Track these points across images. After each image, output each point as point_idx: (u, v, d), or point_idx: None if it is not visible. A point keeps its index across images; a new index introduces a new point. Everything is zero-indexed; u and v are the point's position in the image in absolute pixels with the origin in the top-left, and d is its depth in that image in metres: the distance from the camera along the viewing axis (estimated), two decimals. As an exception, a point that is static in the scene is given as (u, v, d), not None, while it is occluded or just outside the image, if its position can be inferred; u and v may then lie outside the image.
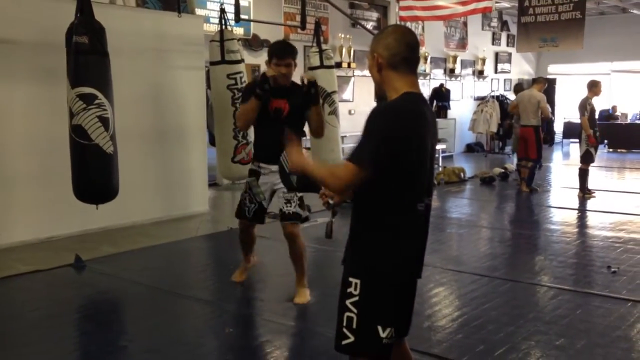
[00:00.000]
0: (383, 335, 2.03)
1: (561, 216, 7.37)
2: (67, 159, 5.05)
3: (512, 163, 10.73)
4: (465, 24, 14.14)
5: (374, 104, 12.02)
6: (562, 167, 12.36)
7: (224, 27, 6.63)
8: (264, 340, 3.69)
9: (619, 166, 12.29)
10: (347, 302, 2.05)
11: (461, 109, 14.60)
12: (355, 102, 11.99)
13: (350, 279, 2.07)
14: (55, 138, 5.53)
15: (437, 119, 12.83)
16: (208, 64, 6.90)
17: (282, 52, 3.96)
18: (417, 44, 2.12)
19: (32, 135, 5.72)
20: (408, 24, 12.23)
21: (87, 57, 4.93)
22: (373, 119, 2.00)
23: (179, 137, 6.95)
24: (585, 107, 8.11)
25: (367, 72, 11.95)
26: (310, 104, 3.90)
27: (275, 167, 3.98)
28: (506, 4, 13.93)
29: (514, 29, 16.18)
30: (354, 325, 2.04)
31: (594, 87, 8.13)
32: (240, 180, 7.80)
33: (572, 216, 7.53)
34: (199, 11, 8.47)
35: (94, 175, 5.00)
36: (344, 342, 2.06)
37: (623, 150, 14.51)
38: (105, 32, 5.02)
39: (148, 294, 4.47)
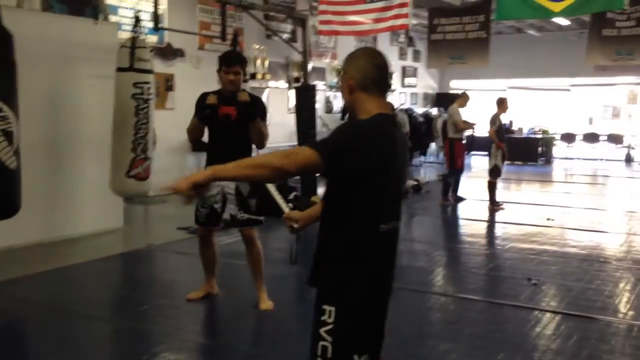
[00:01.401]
0: (359, 362, 1.98)
1: (475, 228, 7.66)
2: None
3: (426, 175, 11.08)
4: (375, 38, 14.47)
5: (287, 116, 12.04)
6: (466, 179, 12.90)
7: (137, 34, 6.35)
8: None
9: (517, 178, 13.00)
10: (321, 330, 1.99)
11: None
12: (270, 114, 11.85)
13: (324, 307, 2.00)
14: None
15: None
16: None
17: (230, 60, 4.21)
18: (386, 67, 2.11)
19: None
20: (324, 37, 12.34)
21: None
22: (337, 130, 1.99)
23: (86, 149, 6.55)
24: (495, 121, 8.53)
25: (280, 84, 12.05)
26: (248, 119, 4.08)
27: None
28: (413, 21, 14.39)
29: (419, 45, 16.82)
30: (329, 354, 1.98)
31: (502, 104, 8.57)
32: (134, 197, 7.46)
33: (486, 228, 7.86)
34: (111, 17, 8.08)
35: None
36: (318, 372, 1.99)
37: (519, 163, 15.37)
38: (12, 39, 4.65)
39: (65, 320, 4.14)
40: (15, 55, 4.63)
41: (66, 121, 6.36)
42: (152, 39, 8.85)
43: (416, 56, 17.09)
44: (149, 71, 6.31)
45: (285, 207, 2.46)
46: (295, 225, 2.36)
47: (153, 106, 6.41)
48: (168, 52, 9.57)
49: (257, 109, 4.18)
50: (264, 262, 4.34)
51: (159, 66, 8.92)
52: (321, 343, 1.99)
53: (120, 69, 6.20)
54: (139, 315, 4.26)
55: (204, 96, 4.26)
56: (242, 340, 3.86)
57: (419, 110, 15.90)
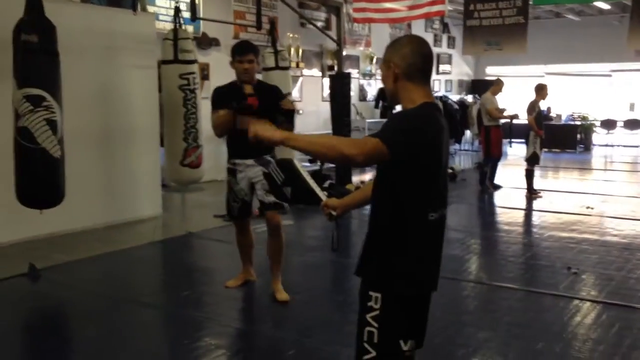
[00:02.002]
0: (405, 348, 2.01)
1: (512, 216, 7.57)
2: (11, 161, 4.79)
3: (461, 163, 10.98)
4: (409, 25, 14.32)
5: (321, 104, 12.05)
6: (502, 167, 12.73)
7: (178, 25, 6.44)
8: (219, 345, 3.59)
9: (555, 166, 12.78)
10: (367, 316, 2.01)
11: (406, 109, 14.78)
12: (304, 102, 11.93)
13: (371, 293, 2.03)
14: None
15: (383, 119, 13.06)
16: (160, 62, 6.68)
17: (242, 49, 4.12)
18: (431, 55, 2.11)
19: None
20: (361, 25, 12.28)
21: (36, 56, 4.68)
22: (394, 120, 2.00)
23: (130, 139, 6.70)
24: (534, 108, 8.39)
25: (315, 72, 12.05)
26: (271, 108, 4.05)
27: (250, 161, 4.03)
28: (449, 7, 14.20)
29: (454, 32, 16.61)
30: (375, 340, 2.00)
31: (541, 90, 8.42)
32: (189, 185, 7.64)
33: (523, 216, 7.77)
34: (148, 8, 8.20)
35: (39, 180, 4.77)
36: (365, 357, 2.02)
37: (557, 150, 15.10)
38: (55, 30, 4.77)
39: (108, 305, 4.25)
40: (58, 47, 4.76)
41: (108, 111, 6.50)
42: (189, 29, 8.94)
43: (451, 43, 16.88)
44: (193, 61, 6.42)
45: (323, 195, 2.45)
46: (334, 213, 2.36)
47: (200, 95, 6.55)
48: (204, 42, 9.66)
49: (275, 96, 4.16)
50: (284, 253, 4.37)
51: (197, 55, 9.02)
52: (367, 329, 2.01)
53: (165, 62, 6.32)
54: (179, 301, 4.35)
55: (219, 90, 4.21)
56: (280, 326, 3.92)
57: (454, 97, 15.72)
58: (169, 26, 7.44)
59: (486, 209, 8.50)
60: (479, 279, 4.95)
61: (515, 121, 9.18)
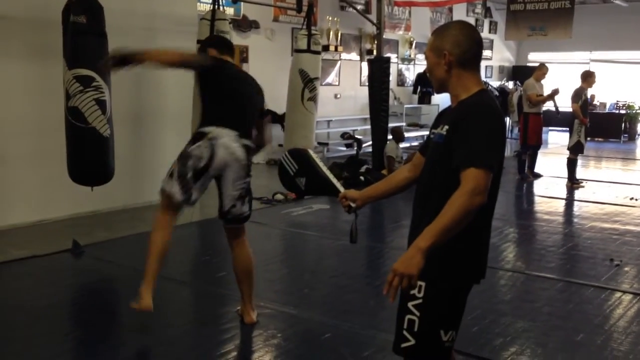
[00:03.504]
0: (445, 338, 1.98)
1: (553, 206, 7.43)
2: (61, 140, 4.94)
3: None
4: (450, 9, 14.11)
5: (359, 89, 11.97)
6: (542, 155, 12.49)
7: (216, 6, 6.46)
8: (255, 326, 3.61)
9: (598, 155, 12.47)
10: (410, 304, 1.99)
11: (445, 96, 14.57)
12: (342, 86, 11.89)
13: None
14: (49, 118, 5.35)
15: (421, 105, 12.82)
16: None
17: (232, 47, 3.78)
18: (482, 41, 2.07)
19: (26, 115, 5.51)
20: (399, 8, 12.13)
21: (85, 37, 4.77)
22: (474, 120, 1.90)
23: (170, 119, 6.77)
24: (580, 96, 8.18)
25: (353, 56, 11.96)
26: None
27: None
28: (492, -9, 13.95)
29: (496, 16, 16.28)
30: (416, 328, 1.98)
31: (588, 78, 8.20)
32: None
33: (564, 206, 7.62)
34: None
35: (90, 158, 4.91)
36: (403, 345, 2.01)
37: (600, 139, 14.73)
38: (103, 11, 4.85)
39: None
40: (106, 27, 4.83)
41: (150, 92, 6.58)
42: (230, 11, 8.96)
43: (493, 27, 16.55)
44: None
45: (340, 186, 2.39)
46: (353, 205, 2.30)
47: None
48: (243, 24, 9.68)
49: None
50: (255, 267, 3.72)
51: (234, 38, 9.03)
52: (408, 316, 1.99)
53: (200, 42, 6.34)
54: (216, 281, 4.41)
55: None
56: (315, 309, 3.93)
57: (494, 83, 15.44)
58: (210, 8, 7.45)
59: (525, 198, 8.36)
60: (517, 268, 4.88)
61: (559, 108, 8.95)
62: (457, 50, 1.98)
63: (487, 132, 1.89)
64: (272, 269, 4.73)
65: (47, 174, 5.52)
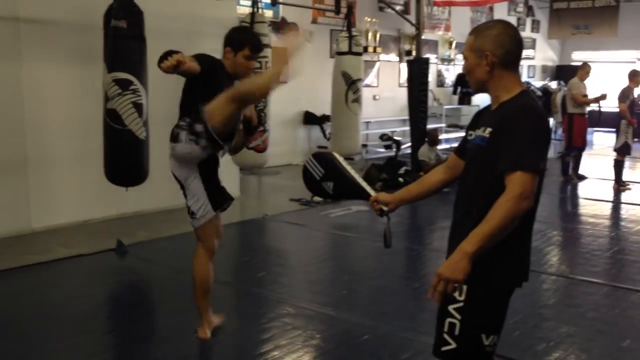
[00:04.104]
0: (486, 343, 1.95)
1: (598, 209, 7.24)
2: (101, 141, 5.03)
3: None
4: (491, 9, 13.90)
5: (398, 90, 11.89)
6: (587, 157, 12.19)
7: (256, 9, 6.52)
8: (294, 326, 3.62)
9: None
10: (451, 307, 1.96)
11: (485, 96, 14.34)
12: (380, 88, 11.84)
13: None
14: (92, 120, 5.46)
15: (461, 106, 12.66)
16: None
17: (259, 45, 3.37)
18: (523, 40, 2.04)
19: (69, 117, 5.66)
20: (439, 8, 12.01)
21: (124, 42, 4.86)
22: (518, 122, 1.86)
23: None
24: (627, 96, 7.96)
25: (392, 57, 11.90)
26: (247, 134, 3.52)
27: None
28: (534, -11, 13.69)
29: (539, 15, 15.97)
30: (457, 332, 1.95)
31: (635, 77, 7.98)
32: (253, 168, 7.77)
33: (610, 209, 7.42)
34: (229, -7, 8.31)
35: (125, 159, 4.99)
36: (444, 349, 1.98)
37: (648, 140, 14.27)
38: (143, 16, 4.94)
39: (188, 282, 4.36)
40: (145, 32, 4.93)
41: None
42: (268, 13, 9.03)
43: (535, 26, 16.24)
44: (266, 46, 6.47)
45: (371, 190, 2.34)
46: (385, 208, 2.26)
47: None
48: (282, 26, 9.72)
49: None
50: (201, 280, 3.43)
51: (273, 41, 9.12)
52: (449, 320, 1.96)
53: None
54: (256, 281, 4.44)
55: (213, 59, 3.41)
56: (355, 311, 3.92)
57: (537, 83, 15.15)
58: (249, 11, 7.52)
59: (569, 200, 8.18)
60: (561, 272, 4.77)
61: (605, 109, 8.72)
62: (500, 50, 1.94)
63: (533, 135, 1.85)
64: (311, 271, 4.74)
65: (91, 175, 5.64)
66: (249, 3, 7.79)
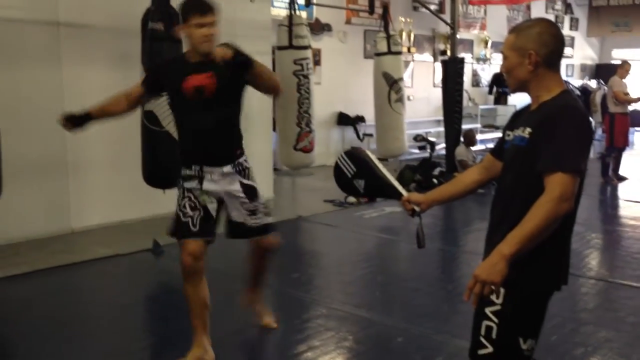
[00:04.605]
0: (524, 347, 1.92)
1: (639, 211, 7.06)
2: (139, 144, 5.11)
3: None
4: (528, 7, 13.69)
5: (432, 90, 11.80)
6: (627, 157, 11.89)
7: (293, 11, 6.55)
8: (328, 327, 3.62)
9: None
10: (487, 310, 1.93)
11: (522, 95, 14.13)
12: (415, 88, 11.76)
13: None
14: (129, 123, 5.54)
15: (497, 106, 12.45)
16: (275, 48, 6.84)
17: (203, 7, 2.90)
18: (564, 39, 2.01)
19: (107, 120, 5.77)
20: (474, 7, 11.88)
21: (162, 43, 4.93)
22: (560, 122, 1.83)
23: (243, 123, 6.89)
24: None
25: (426, 57, 11.81)
26: (245, 70, 2.91)
27: (227, 169, 3.04)
28: (572, -14, 13.43)
29: (577, 12, 15.64)
30: (494, 335, 1.92)
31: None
32: (301, 168, 7.82)
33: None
34: (264, -5, 8.37)
35: (163, 161, 5.05)
36: (480, 352, 1.95)
37: (691, 140, 13.87)
38: (179, 18, 4.99)
39: (223, 281, 4.43)
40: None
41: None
42: (302, 14, 9.06)
43: (574, 24, 15.91)
44: (307, 47, 6.52)
45: (403, 190, 2.29)
46: (417, 209, 2.21)
47: (312, 80, 6.67)
48: (316, 27, 9.75)
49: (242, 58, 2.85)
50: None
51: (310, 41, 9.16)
52: (486, 323, 1.94)
53: (280, 48, 6.47)
54: (290, 282, 4.46)
55: (160, 63, 3.21)
56: (388, 313, 3.90)
57: (576, 82, 14.84)
58: (283, 12, 7.56)
59: (609, 202, 7.99)
60: (600, 276, 4.67)
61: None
62: (544, 50, 1.90)
63: (575, 135, 1.82)
64: (345, 272, 4.74)
65: (128, 176, 5.75)
66: (283, 5, 7.85)
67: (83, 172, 5.67)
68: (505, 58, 1.99)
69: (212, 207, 3.08)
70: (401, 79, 7.76)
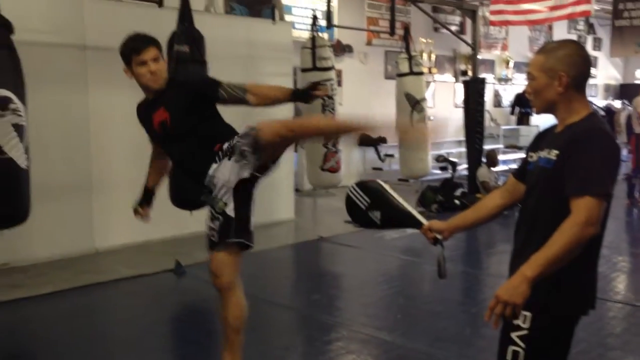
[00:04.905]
0: (551, 371, 1.89)
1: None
2: (164, 165, 5.17)
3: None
4: (550, 27, 13.64)
5: (454, 110, 11.78)
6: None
7: (315, 33, 6.62)
8: (349, 350, 3.60)
9: None
10: (514, 335, 1.91)
11: (544, 116, 14.03)
12: (436, 108, 11.74)
13: None
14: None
15: (519, 126, 12.28)
16: (297, 70, 6.90)
17: (139, 43, 2.89)
18: (591, 61, 2.00)
19: (131, 141, 5.84)
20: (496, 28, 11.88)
21: (187, 65, 5.01)
22: (588, 144, 1.81)
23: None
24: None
25: (447, 78, 11.80)
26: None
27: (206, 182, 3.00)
28: (595, 6, 13.34)
29: (600, 32, 15.54)
30: None
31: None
32: (328, 189, 7.83)
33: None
34: (286, 17, 8.48)
35: (188, 183, 5.07)
36: (507, 377, 1.92)
37: None
38: (204, 40, 5.09)
39: (247, 303, 4.44)
40: (206, 55, 5.08)
41: (250, 116, 6.78)
42: (324, 36, 9.15)
43: (597, 44, 15.81)
44: (330, 68, 6.58)
45: (422, 218, 2.25)
46: (440, 237, 2.18)
47: (337, 100, 6.72)
48: (337, 49, 9.81)
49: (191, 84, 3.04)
50: (241, 322, 3.07)
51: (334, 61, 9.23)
52: (512, 347, 1.91)
53: (304, 70, 6.54)
54: (311, 304, 4.44)
55: (139, 109, 3.15)
56: (410, 336, 3.86)
57: (600, 103, 14.71)
58: (304, 34, 7.64)
59: (635, 225, 7.85)
60: (627, 300, 4.57)
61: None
62: (574, 71, 1.88)
63: (602, 158, 1.80)
64: (366, 293, 4.71)
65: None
66: (304, 27, 7.93)
67: (107, 192, 5.74)
68: (532, 79, 1.95)
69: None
70: (424, 99, 7.77)
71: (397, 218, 2.32)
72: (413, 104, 7.61)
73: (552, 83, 1.89)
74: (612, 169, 1.82)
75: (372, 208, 2.35)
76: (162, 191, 5.31)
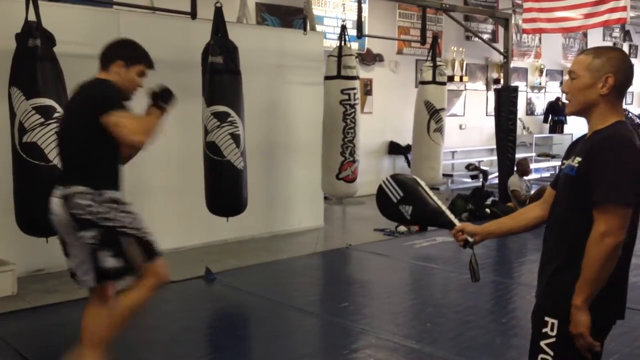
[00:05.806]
0: (581, 380, 1.88)
1: None
2: (198, 173, 5.28)
3: None
4: (585, 34, 13.47)
5: (485, 119, 11.69)
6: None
7: (343, 42, 6.66)
8: (377, 358, 3.60)
9: None
10: (542, 343, 1.92)
11: (578, 124, 13.83)
12: (467, 117, 11.69)
13: (547, 319, 1.92)
14: (190, 153, 5.75)
15: (552, 134, 12.09)
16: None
17: (152, 61, 3.14)
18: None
19: (167, 151, 5.97)
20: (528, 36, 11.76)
21: (221, 76, 5.12)
22: (608, 152, 1.81)
23: (295, 152, 7.01)
24: None
25: (479, 86, 11.73)
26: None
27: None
28: (631, 14, 13.11)
29: (636, 39, 15.29)
30: None
31: None
32: (343, 199, 7.84)
33: None
34: (317, 27, 8.55)
35: (225, 190, 5.20)
36: (537, 386, 1.93)
37: None
38: (237, 51, 5.18)
39: (276, 310, 4.49)
40: (240, 66, 5.17)
41: (279, 126, 6.86)
42: (354, 45, 9.19)
43: (632, 51, 15.53)
44: (355, 77, 6.61)
45: (455, 219, 2.21)
46: (471, 240, 2.16)
47: (359, 111, 6.73)
48: (368, 58, 9.86)
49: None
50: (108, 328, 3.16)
51: (359, 72, 9.27)
52: (541, 356, 1.93)
53: (328, 77, 6.59)
54: (339, 312, 4.46)
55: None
56: (439, 345, 3.84)
57: (636, 111, 14.42)
58: (335, 44, 7.69)
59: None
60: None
61: None
62: (620, 76, 1.88)
63: (623, 165, 1.79)
64: (395, 302, 4.71)
65: (185, 204, 5.91)
66: (335, 36, 7.99)
67: (140, 200, 5.81)
68: (575, 77, 1.92)
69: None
70: (443, 109, 7.71)
71: (428, 215, 2.29)
72: (431, 112, 7.57)
73: (596, 84, 1.88)
74: (634, 175, 1.80)
75: (403, 202, 2.33)
76: (195, 199, 5.42)
